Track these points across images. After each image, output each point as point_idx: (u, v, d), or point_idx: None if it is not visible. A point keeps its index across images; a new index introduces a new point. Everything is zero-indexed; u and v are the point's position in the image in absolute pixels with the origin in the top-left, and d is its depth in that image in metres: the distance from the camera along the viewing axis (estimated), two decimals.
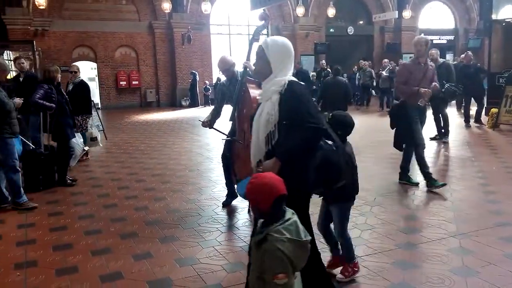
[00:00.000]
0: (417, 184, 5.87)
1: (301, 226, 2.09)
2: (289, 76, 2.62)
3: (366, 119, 14.04)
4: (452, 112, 12.33)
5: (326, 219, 3.46)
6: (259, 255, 2.06)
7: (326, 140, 2.62)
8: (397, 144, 5.90)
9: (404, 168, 6.01)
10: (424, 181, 5.79)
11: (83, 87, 7.71)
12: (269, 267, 1.99)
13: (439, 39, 26.31)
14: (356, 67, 18.86)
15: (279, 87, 2.56)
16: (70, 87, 7.66)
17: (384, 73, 16.43)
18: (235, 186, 1.92)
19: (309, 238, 2.10)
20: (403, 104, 5.73)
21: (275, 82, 2.59)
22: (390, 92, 16.22)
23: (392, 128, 5.90)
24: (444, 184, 5.65)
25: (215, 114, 5.16)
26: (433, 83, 5.72)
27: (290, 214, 2.11)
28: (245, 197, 2.12)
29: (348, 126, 3.36)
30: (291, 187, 2.38)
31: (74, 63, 6.81)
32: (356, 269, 3.40)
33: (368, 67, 17.73)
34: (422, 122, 5.87)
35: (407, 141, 5.82)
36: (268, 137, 2.57)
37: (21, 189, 5.41)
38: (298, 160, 2.51)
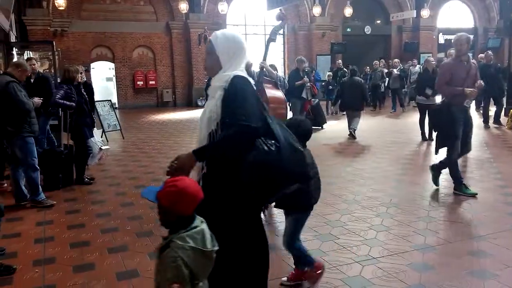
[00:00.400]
0: (437, 186, 5.76)
1: (208, 236, 1.98)
2: (237, 71, 2.40)
3: (381, 120, 13.96)
4: (470, 112, 12.14)
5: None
6: (159, 263, 1.97)
7: (267, 141, 2.30)
8: (439, 147, 5.66)
9: (441, 167, 5.73)
10: (437, 183, 5.73)
11: (87, 89, 7.79)
12: (166, 275, 1.89)
13: None
14: (367, 67, 18.57)
15: (224, 83, 2.36)
16: None
17: (395, 71, 16.16)
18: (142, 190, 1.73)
19: (216, 248, 1.99)
20: (447, 105, 5.45)
21: (221, 78, 2.40)
22: (401, 92, 15.94)
23: (435, 131, 5.69)
24: (475, 194, 5.41)
25: None
26: (478, 82, 5.43)
27: (199, 222, 2.00)
28: (154, 200, 1.95)
29: (303, 132, 3.08)
30: (227, 190, 2.29)
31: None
32: (319, 271, 3.26)
33: (380, 66, 17.23)
34: (468, 124, 5.54)
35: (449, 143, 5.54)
36: (210, 136, 2.38)
37: (39, 187, 5.50)
38: (227, 160, 2.31)
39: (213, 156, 2.35)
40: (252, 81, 2.48)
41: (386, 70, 17.16)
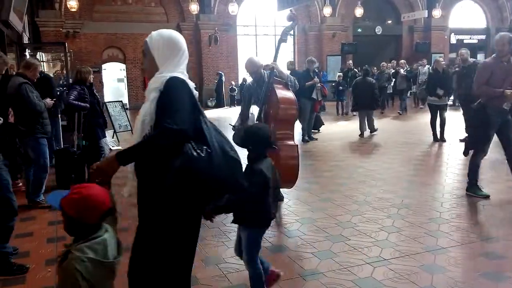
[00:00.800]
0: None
1: (112, 246, 1.88)
2: (175, 73, 2.25)
3: (391, 121, 13.91)
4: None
5: (240, 243, 3.01)
6: (59, 274, 1.87)
7: (198, 146, 2.14)
8: (467, 150, 5.55)
9: None
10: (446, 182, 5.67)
11: None
12: None
13: (470, 38, 25.78)
14: (374, 68, 18.46)
15: (159, 84, 2.20)
16: None
17: (402, 71, 16.00)
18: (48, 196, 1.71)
19: (118, 259, 1.88)
20: (483, 107, 5.28)
21: (157, 79, 2.24)
22: (406, 95, 15.69)
23: (467, 132, 5.59)
24: (488, 196, 5.34)
25: (244, 117, 5.16)
26: None
27: (102, 232, 1.89)
28: (57, 207, 1.87)
29: (259, 140, 2.83)
30: (157, 198, 2.20)
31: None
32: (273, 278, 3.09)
33: (387, 68, 17.01)
34: (508, 126, 5.35)
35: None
36: None
37: (43, 188, 5.54)
38: (154, 165, 2.17)
39: (136, 159, 2.23)
40: (192, 84, 2.31)
41: (393, 71, 17.04)
